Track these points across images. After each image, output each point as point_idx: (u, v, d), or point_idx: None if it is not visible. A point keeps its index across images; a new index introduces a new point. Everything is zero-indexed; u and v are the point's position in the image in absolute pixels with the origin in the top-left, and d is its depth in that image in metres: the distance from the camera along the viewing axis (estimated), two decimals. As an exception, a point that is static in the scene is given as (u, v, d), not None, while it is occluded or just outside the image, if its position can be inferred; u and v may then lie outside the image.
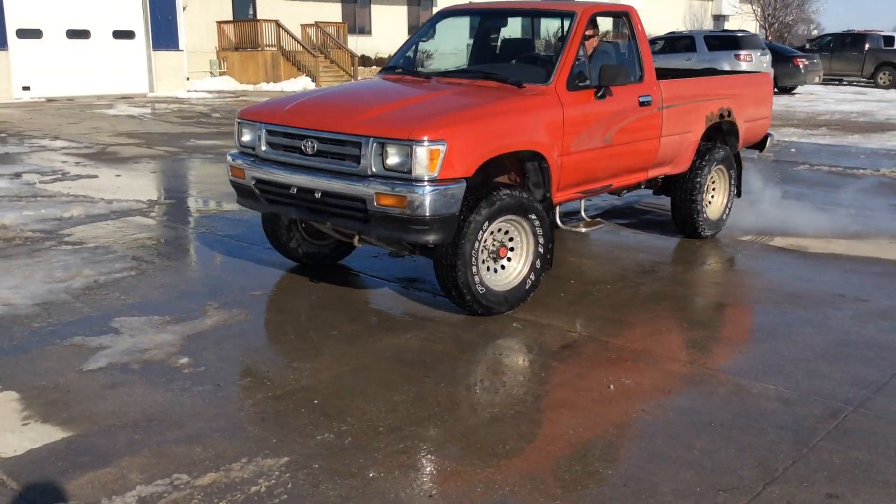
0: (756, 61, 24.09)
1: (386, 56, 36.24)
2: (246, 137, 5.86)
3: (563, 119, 5.72)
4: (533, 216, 5.50)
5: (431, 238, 5.03)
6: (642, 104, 6.48)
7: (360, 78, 31.64)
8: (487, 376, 4.58)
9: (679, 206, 7.40)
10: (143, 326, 5.18)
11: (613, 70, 5.89)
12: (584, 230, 6.24)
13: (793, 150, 13.82)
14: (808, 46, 33.25)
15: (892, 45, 32.40)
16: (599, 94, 6.06)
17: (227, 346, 4.91)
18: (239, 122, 5.90)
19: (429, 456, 3.65)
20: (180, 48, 26.53)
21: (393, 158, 5.03)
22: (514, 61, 6.45)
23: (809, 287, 6.15)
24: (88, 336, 5.01)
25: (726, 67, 21.53)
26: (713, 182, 7.62)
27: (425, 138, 4.91)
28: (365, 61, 33.58)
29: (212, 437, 3.79)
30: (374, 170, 5.07)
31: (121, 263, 6.54)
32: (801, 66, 26.46)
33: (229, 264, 6.63)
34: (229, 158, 5.97)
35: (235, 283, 6.11)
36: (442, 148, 4.94)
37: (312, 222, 5.62)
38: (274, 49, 29.51)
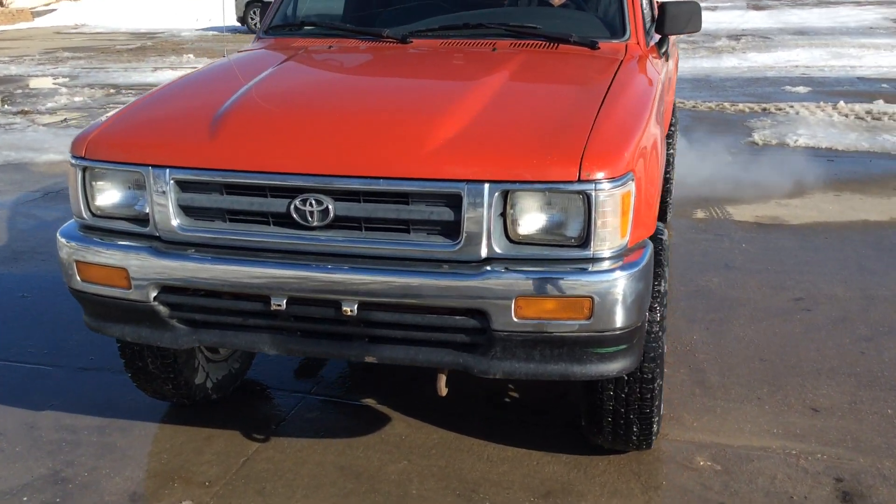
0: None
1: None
2: (110, 198, 2.77)
3: (659, 95, 3.47)
4: (666, 268, 3.26)
5: (623, 365, 2.58)
6: (668, 57, 4.41)
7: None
8: None
9: (650, 188, 5.51)
10: None
11: (685, 10, 3.72)
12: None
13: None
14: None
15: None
16: (664, 49, 3.89)
17: None
18: (84, 166, 2.75)
19: None
20: None
21: (536, 219, 2.47)
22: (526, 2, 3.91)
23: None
24: None
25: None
26: (668, 150, 5.84)
27: (602, 175, 2.40)
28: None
29: None
30: (496, 248, 2.45)
31: None
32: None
33: (52, 437, 3.39)
34: (64, 241, 2.82)
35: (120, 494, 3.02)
36: (632, 189, 2.47)
37: (323, 356, 2.77)
38: None
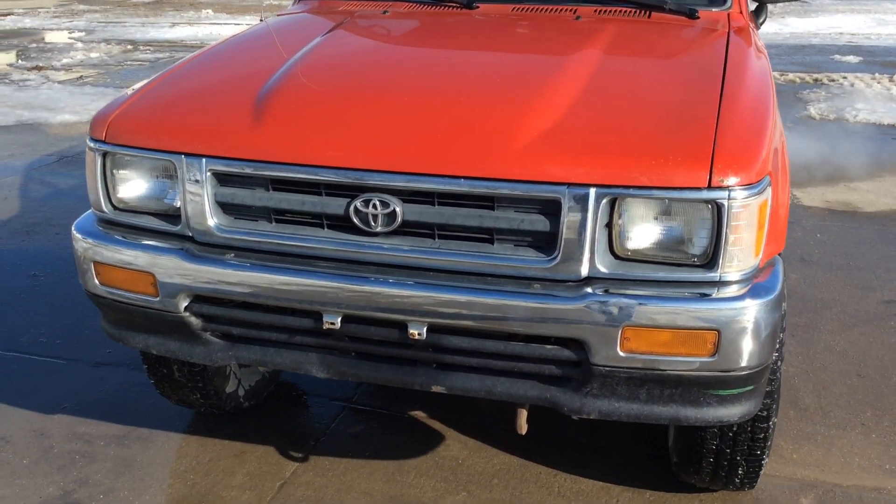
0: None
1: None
2: (134, 190, 2.36)
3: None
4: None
5: (746, 409, 2.15)
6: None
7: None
8: None
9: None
10: None
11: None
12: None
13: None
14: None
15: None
16: (762, 18, 3.41)
17: None
18: (105, 151, 2.32)
19: None
20: None
21: (650, 232, 2.04)
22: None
23: None
24: None
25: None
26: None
27: (736, 180, 1.95)
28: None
29: None
30: (599, 265, 2.02)
31: None
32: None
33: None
34: (80, 236, 2.40)
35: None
36: (769, 197, 2.03)
37: (381, 383, 2.36)
38: None
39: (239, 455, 2.93)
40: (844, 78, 9.56)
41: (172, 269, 2.25)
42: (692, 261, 2.01)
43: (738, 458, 2.44)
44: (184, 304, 2.29)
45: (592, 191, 1.97)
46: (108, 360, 3.54)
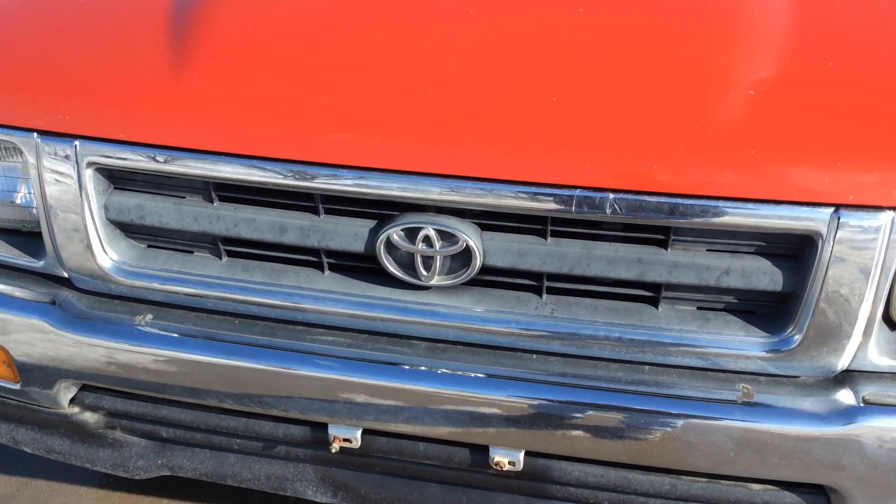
0: None
1: None
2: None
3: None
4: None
5: None
6: None
7: None
8: None
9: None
10: None
11: None
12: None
13: None
14: None
15: None
16: None
17: None
18: None
19: None
20: None
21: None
22: None
23: None
24: None
25: None
26: None
27: None
28: None
29: None
30: (873, 354, 1.06)
31: None
32: None
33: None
34: None
35: None
36: None
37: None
38: None
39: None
40: None
41: (38, 341, 1.21)
42: None
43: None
44: (67, 395, 1.27)
45: (888, 216, 0.97)
46: None
